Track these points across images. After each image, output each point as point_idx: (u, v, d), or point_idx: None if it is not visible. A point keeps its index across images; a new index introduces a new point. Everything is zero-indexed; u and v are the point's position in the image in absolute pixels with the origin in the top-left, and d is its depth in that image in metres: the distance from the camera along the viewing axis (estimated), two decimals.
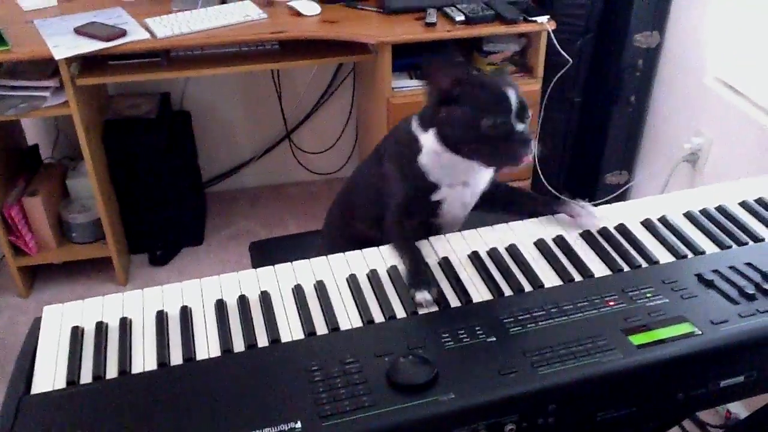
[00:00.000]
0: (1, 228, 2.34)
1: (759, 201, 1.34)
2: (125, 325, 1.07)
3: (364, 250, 1.22)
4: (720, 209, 1.32)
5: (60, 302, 1.12)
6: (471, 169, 1.23)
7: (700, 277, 1.11)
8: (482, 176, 1.28)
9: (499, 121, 1.12)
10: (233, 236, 2.83)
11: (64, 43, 2.08)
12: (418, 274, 1.13)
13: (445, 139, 1.18)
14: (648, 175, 2.64)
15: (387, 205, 1.28)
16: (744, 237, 1.23)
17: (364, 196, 1.39)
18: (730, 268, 1.14)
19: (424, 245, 1.23)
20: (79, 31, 2.14)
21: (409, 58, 2.28)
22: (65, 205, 2.54)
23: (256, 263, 1.73)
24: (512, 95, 1.13)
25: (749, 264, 1.15)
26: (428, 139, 1.20)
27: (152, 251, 2.70)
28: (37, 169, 2.56)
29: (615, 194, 2.69)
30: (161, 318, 1.08)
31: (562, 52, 2.30)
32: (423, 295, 1.08)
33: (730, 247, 1.21)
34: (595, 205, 1.31)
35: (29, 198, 2.40)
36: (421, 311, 1.07)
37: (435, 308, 1.08)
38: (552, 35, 2.25)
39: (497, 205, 1.34)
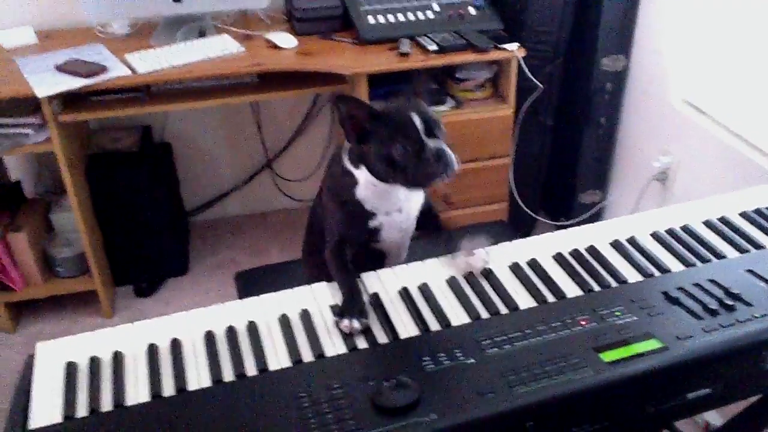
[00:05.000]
0: None
1: (721, 219, 1.40)
2: (118, 358, 1.10)
3: None
4: (685, 228, 1.38)
5: (46, 336, 1.15)
6: (405, 195, 1.31)
7: (666, 295, 1.18)
8: (415, 200, 1.36)
9: (408, 146, 1.18)
10: (217, 265, 2.86)
11: (45, 81, 2.12)
12: (350, 303, 1.17)
13: (375, 174, 1.25)
14: (621, 194, 2.72)
15: (327, 239, 1.35)
16: (708, 255, 1.30)
17: (319, 229, 1.45)
18: (695, 285, 1.20)
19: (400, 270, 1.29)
20: (61, 68, 2.18)
21: (385, 86, 2.34)
22: (49, 240, 2.56)
23: (242, 292, 1.77)
24: (416, 117, 1.19)
25: (712, 281, 1.21)
26: (362, 175, 1.28)
27: (137, 283, 2.72)
28: (21, 205, 2.58)
29: (590, 213, 2.77)
30: (153, 350, 1.11)
31: (533, 78, 2.38)
32: (350, 323, 1.12)
33: (694, 264, 1.27)
34: (571, 224, 1.37)
35: (13, 234, 2.41)
36: (402, 335, 1.12)
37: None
38: (522, 62, 2.32)
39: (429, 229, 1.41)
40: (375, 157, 1.22)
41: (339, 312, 1.15)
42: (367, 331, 1.13)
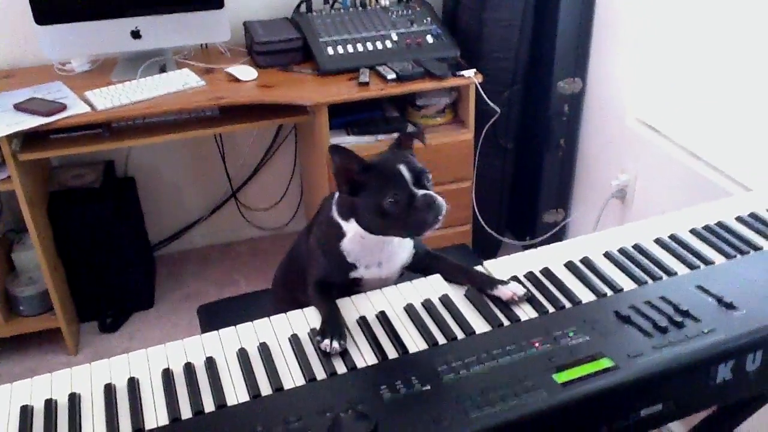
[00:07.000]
0: None
1: (672, 237, 1.44)
2: (74, 400, 1.09)
3: (304, 309, 1.29)
4: (636, 247, 1.41)
5: (10, 377, 1.14)
6: (389, 248, 1.34)
7: (617, 314, 1.20)
8: (399, 256, 1.38)
9: (397, 196, 1.21)
10: (184, 298, 2.84)
11: (3, 120, 2.11)
12: (328, 325, 1.20)
13: (365, 226, 1.28)
14: (582, 212, 2.76)
15: (309, 278, 1.37)
16: (659, 272, 1.33)
17: (300, 269, 1.46)
18: (646, 303, 1.23)
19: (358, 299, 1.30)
20: (19, 107, 2.18)
21: (345, 115, 2.37)
22: (11, 279, 2.52)
23: (205, 326, 1.76)
24: (404, 169, 1.23)
25: (663, 298, 1.24)
26: (351, 227, 1.30)
27: (102, 318, 2.69)
28: None
29: (553, 231, 2.80)
30: (109, 390, 1.11)
31: (490, 103, 2.42)
32: (330, 344, 1.15)
33: (646, 282, 1.30)
34: (536, 243, 1.39)
35: None
36: (360, 365, 1.13)
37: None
38: (479, 88, 2.37)
39: (433, 272, 1.39)
40: (366, 209, 1.25)
41: (320, 332, 1.18)
42: (326, 361, 1.14)
